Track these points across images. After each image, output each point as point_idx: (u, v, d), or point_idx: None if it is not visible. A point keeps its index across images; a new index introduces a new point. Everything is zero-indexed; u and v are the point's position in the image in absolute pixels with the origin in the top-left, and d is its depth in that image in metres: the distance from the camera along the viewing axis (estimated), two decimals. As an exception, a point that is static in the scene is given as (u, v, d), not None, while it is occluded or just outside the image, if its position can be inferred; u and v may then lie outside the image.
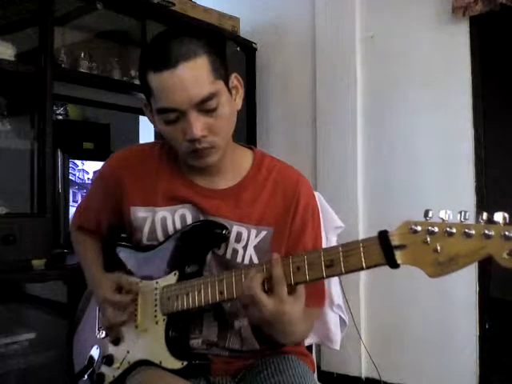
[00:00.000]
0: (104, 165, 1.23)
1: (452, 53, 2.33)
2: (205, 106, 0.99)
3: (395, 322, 2.45)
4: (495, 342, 2.27)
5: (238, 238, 1.09)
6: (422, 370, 2.36)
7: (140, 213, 1.13)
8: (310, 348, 1.44)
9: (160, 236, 1.12)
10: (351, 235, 2.44)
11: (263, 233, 1.10)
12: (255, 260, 1.09)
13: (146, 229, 1.12)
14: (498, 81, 2.35)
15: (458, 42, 2.32)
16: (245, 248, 1.09)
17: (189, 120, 0.99)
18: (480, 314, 2.24)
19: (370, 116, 2.56)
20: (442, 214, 0.78)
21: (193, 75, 0.97)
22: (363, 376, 2.52)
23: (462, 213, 0.77)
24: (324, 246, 1.27)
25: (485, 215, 0.75)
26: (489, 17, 2.20)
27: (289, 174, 1.16)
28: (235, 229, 1.09)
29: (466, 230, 0.76)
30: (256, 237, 1.10)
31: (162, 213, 1.12)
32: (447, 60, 2.35)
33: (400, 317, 2.43)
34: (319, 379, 1.28)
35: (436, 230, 0.78)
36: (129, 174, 1.15)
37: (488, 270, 2.24)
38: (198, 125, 0.99)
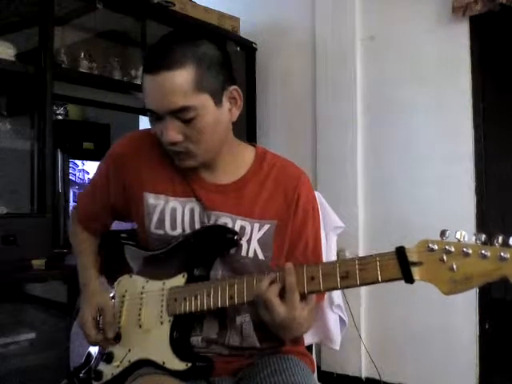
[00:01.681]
0: (113, 146, 1.22)
1: (452, 53, 2.33)
2: (180, 115, 1.01)
3: (395, 322, 2.45)
4: (495, 342, 2.26)
5: (242, 233, 1.10)
6: (422, 370, 2.36)
7: (151, 199, 1.14)
8: (309, 348, 1.44)
9: (168, 226, 1.12)
10: (351, 235, 2.46)
11: (266, 226, 1.11)
12: (259, 253, 1.10)
13: (155, 217, 1.13)
14: (497, 81, 2.35)
15: (458, 42, 2.32)
16: (248, 242, 1.10)
17: (164, 124, 1.03)
18: (480, 314, 2.24)
19: (369, 116, 2.56)
20: (458, 235, 0.83)
21: (170, 85, 0.99)
22: (363, 376, 2.52)
23: (477, 235, 0.82)
24: (324, 245, 1.27)
25: (500, 239, 0.80)
26: (489, 17, 2.20)
27: (290, 170, 1.18)
28: (238, 223, 1.10)
29: (483, 252, 0.80)
30: (259, 230, 1.11)
31: (174, 203, 1.13)
32: (447, 60, 2.35)
33: (400, 317, 2.43)
34: (319, 379, 1.28)
35: (452, 249, 0.82)
36: (139, 157, 1.16)
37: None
38: (172, 131, 1.02)
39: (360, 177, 2.56)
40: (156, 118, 1.04)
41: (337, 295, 1.50)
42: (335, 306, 1.47)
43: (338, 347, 1.48)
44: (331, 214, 1.59)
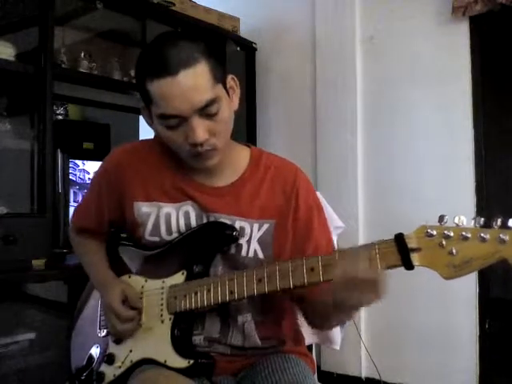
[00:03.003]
0: (105, 160, 1.22)
1: (452, 53, 2.33)
2: (206, 111, 1.00)
3: (395, 322, 2.45)
4: (495, 342, 2.26)
5: (241, 233, 1.10)
6: (422, 369, 2.36)
7: (144, 208, 1.13)
8: (310, 348, 1.44)
9: (163, 231, 1.12)
10: (351, 235, 2.46)
11: (265, 226, 1.11)
12: (259, 253, 1.10)
13: (150, 224, 1.13)
14: (497, 81, 2.35)
15: (458, 42, 2.32)
16: (248, 242, 1.10)
17: (191, 125, 1.00)
18: (480, 314, 2.24)
19: (370, 116, 2.56)
20: (456, 220, 0.82)
21: (194, 82, 0.97)
22: (363, 376, 2.52)
23: (476, 219, 0.81)
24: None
25: (499, 221, 0.79)
26: (489, 17, 2.20)
27: (286, 168, 1.18)
28: (238, 224, 1.10)
29: (481, 235, 0.79)
30: (259, 230, 1.11)
31: (167, 209, 1.12)
32: (447, 60, 2.35)
33: (400, 317, 2.43)
34: (319, 379, 1.29)
35: (451, 234, 0.82)
36: (131, 169, 1.16)
37: (488, 269, 2.23)
38: (201, 129, 1.00)
39: (360, 177, 2.56)
40: (178, 122, 1.00)
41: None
42: (335, 305, 1.47)
43: (338, 347, 1.48)
44: (331, 214, 1.59)
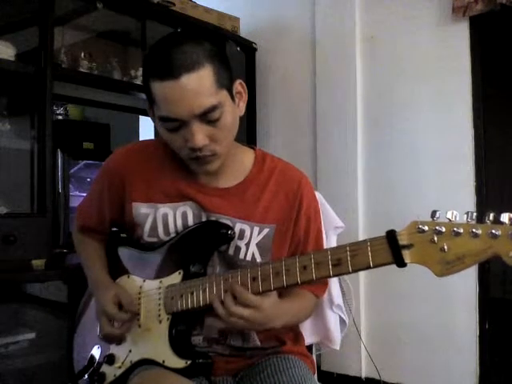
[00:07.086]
0: (107, 160, 1.23)
1: (452, 53, 2.33)
2: (207, 117, 0.99)
3: (395, 322, 2.45)
4: (495, 342, 2.26)
5: (241, 235, 1.10)
6: (422, 369, 2.36)
7: (142, 209, 1.13)
8: (310, 348, 1.44)
9: (161, 232, 1.12)
10: (351, 235, 2.46)
11: (266, 230, 1.11)
12: (257, 257, 1.10)
13: (148, 225, 1.13)
14: (497, 81, 2.35)
15: (458, 42, 2.32)
16: (247, 245, 1.10)
17: (190, 130, 0.99)
18: (480, 314, 2.24)
19: (369, 116, 2.56)
20: (449, 215, 0.80)
21: (195, 87, 0.96)
22: (363, 376, 2.52)
23: (469, 213, 0.78)
24: (324, 245, 1.27)
25: (491, 216, 0.76)
26: (489, 17, 2.20)
27: (291, 173, 1.18)
28: (238, 226, 1.10)
29: (473, 230, 0.77)
30: (259, 234, 1.11)
31: (164, 209, 1.12)
32: (447, 60, 2.34)
33: (400, 317, 2.43)
34: (319, 379, 1.28)
35: (443, 229, 0.80)
36: (132, 170, 1.16)
37: (488, 269, 2.24)
38: (200, 135, 0.99)
39: (360, 177, 2.56)
40: (178, 126, 1.00)
41: (337, 295, 1.50)
42: (335, 306, 1.47)
43: (338, 347, 1.48)
44: (331, 214, 1.59)
